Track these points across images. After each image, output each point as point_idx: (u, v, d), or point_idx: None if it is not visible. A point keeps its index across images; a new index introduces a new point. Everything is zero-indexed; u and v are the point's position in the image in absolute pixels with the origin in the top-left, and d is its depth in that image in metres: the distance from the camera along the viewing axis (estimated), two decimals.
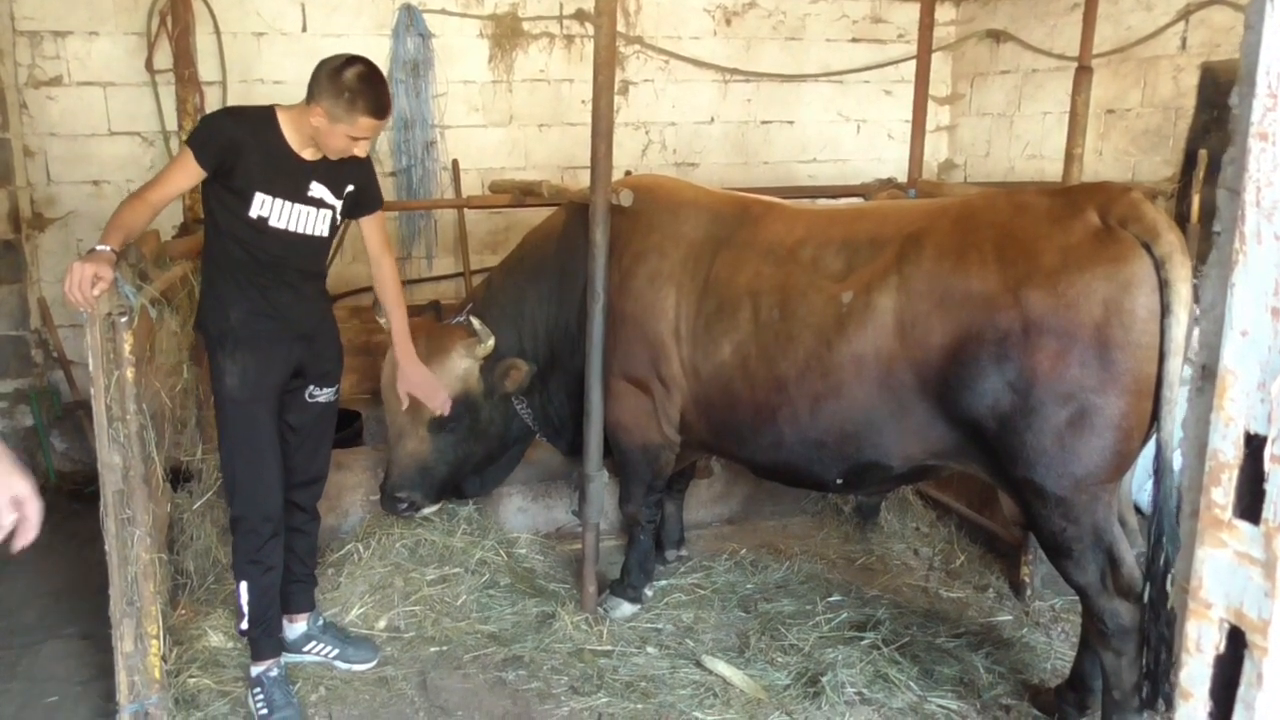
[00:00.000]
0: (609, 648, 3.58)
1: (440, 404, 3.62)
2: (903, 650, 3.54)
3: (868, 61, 6.94)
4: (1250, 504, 0.96)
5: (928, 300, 2.88)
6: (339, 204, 3.16)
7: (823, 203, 4.96)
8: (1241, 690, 0.96)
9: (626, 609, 3.83)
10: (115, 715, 2.90)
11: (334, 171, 3.11)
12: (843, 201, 4.94)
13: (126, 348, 2.66)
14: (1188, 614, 1.00)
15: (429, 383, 3.58)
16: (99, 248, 2.69)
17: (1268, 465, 0.94)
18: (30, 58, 5.46)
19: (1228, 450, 0.98)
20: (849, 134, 7.07)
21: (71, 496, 5.02)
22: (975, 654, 3.55)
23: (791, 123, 6.92)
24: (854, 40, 6.92)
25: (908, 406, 2.97)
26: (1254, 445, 0.96)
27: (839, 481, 3.29)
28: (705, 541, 4.53)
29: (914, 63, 4.86)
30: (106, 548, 2.78)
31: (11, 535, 1.76)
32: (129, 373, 2.68)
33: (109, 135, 5.65)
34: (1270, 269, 0.94)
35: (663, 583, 4.07)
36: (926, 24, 4.66)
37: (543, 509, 4.55)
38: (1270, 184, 0.94)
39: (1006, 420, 2.78)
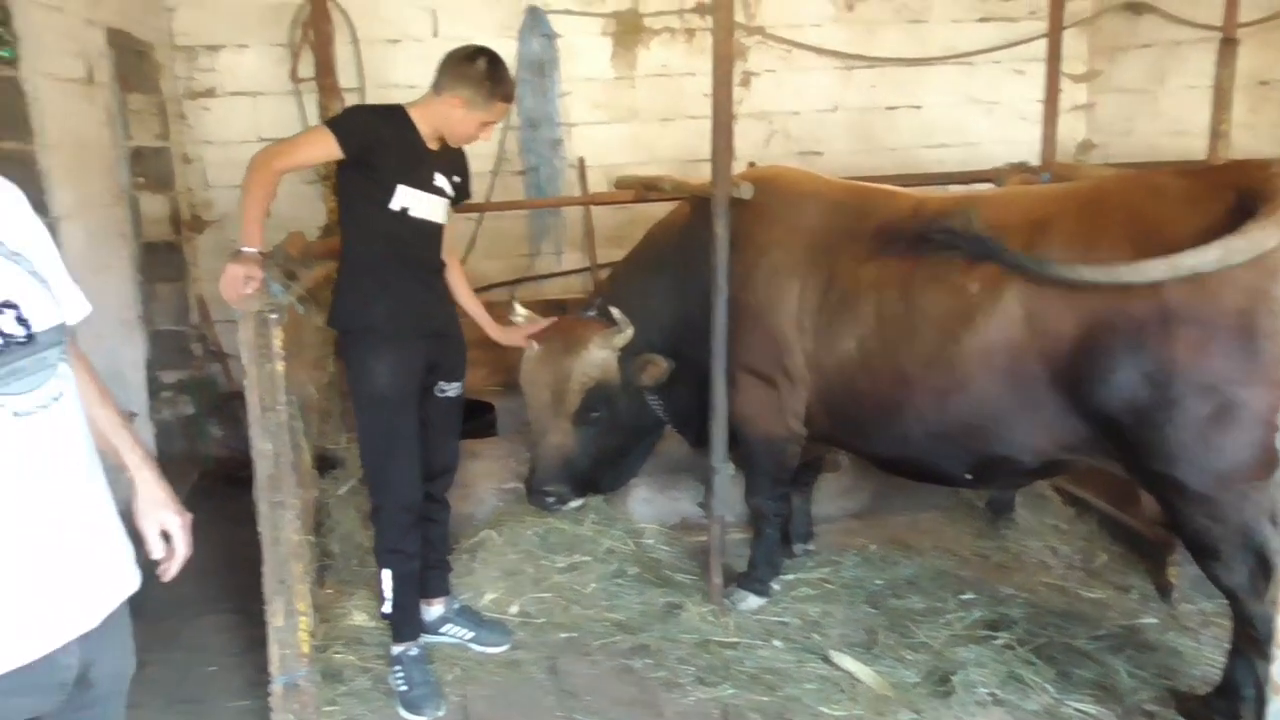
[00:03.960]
0: (735, 639, 3.59)
1: (523, 339, 3.78)
2: (1038, 651, 3.42)
3: (997, 41, 6.72)
4: None
5: (1056, 289, 2.78)
6: (453, 194, 3.29)
7: (952, 189, 4.83)
8: None
9: (753, 601, 3.83)
10: (268, 685, 3.04)
11: (448, 163, 3.25)
12: (972, 187, 4.80)
13: (276, 343, 2.81)
14: None
15: (517, 332, 3.77)
16: (246, 250, 2.85)
17: None
18: (187, 71, 5.83)
19: None
20: (978, 117, 6.85)
21: (226, 480, 5.29)
22: (1116, 657, 3.41)
23: (917, 108, 6.76)
24: (982, 20, 6.70)
25: (1038, 399, 2.88)
26: None
27: (967, 476, 3.22)
28: (833, 536, 4.47)
29: (1046, 40, 4.69)
30: (259, 529, 2.94)
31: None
32: (279, 366, 2.83)
33: (258, 141, 5.95)
34: None
35: (789, 576, 4.05)
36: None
37: (669, 500, 4.58)
38: None
39: (1144, 414, 2.66)
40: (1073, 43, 6.24)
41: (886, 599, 3.88)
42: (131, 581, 1.80)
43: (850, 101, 6.66)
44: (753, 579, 3.88)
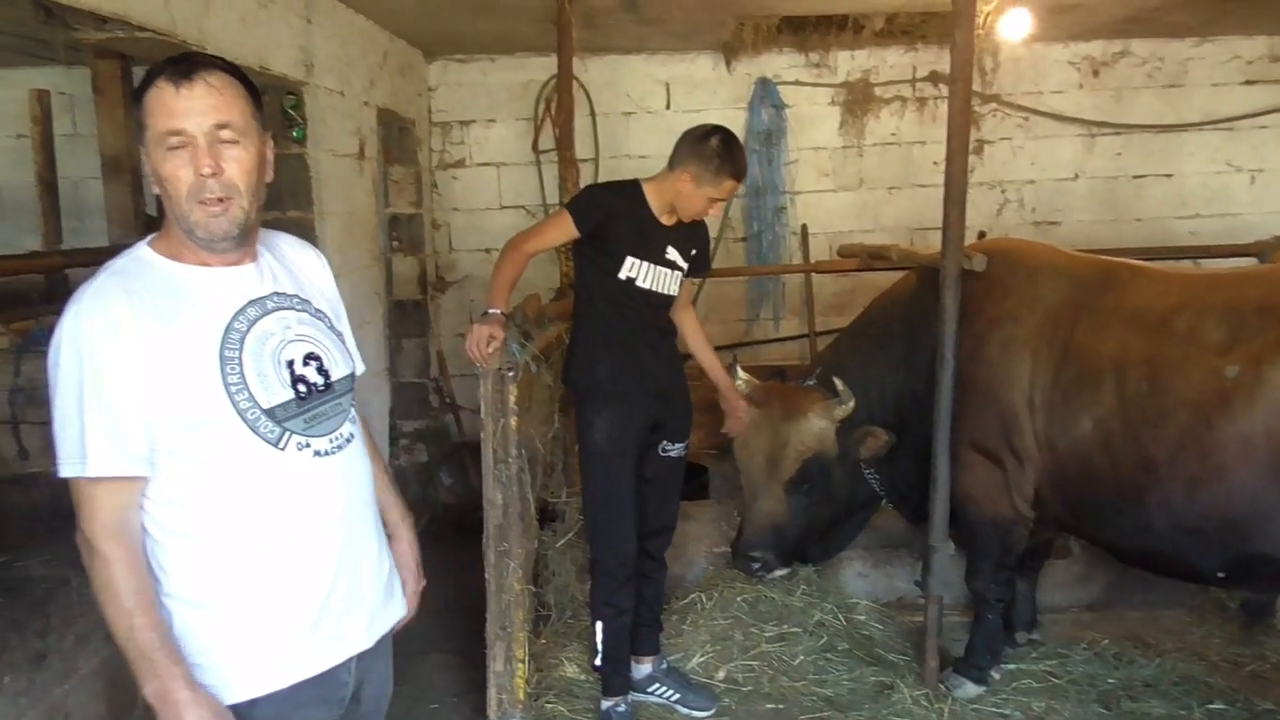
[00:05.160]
0: None
1: (734, 426, 3.75)
2: None
3: (1265, 105, 6.26)
4: None
5: None
6: (685, 266, 3.39)
7: (1206, 263, 4.52)
8: None
9: (970, 689, 3.65)
10: None
11: (683, 236, 3.36)
12: (1232, 262, 4.46)
13: (512, 399, 3.00)
14: None
15: (740, 408, 3.74)
16: (491, 311, 3.07)
17: None
18: (441, 144, 6.36)
19: None
20: (1240, 185, 6.38)
21: (454, 527, 5.58)
22: None
23: (1169, 175, 6.38)
24: (1247, 83, 6.27)
25: None
26: None
27: (1220, 574, 2.96)
28: (1060, 627, 4.19)
29: None
30: (486, 576, 3.11)
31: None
32: (513, 421, 3.01)
33: (499, 209, 6.42)
34: None
35: (1011, 666, 3.83)
36: None
37: (884, 576, 4.45)
38: None
39: None
40: None
41: (1121, 700, 3.59)
42: (400, 610, 1.98)
43: (1093, 169, 6.38)
44: (971, 665, 3.69)
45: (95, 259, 4.66)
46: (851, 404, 3.69)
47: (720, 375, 3.70)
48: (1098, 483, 3.11)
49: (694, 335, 3.66)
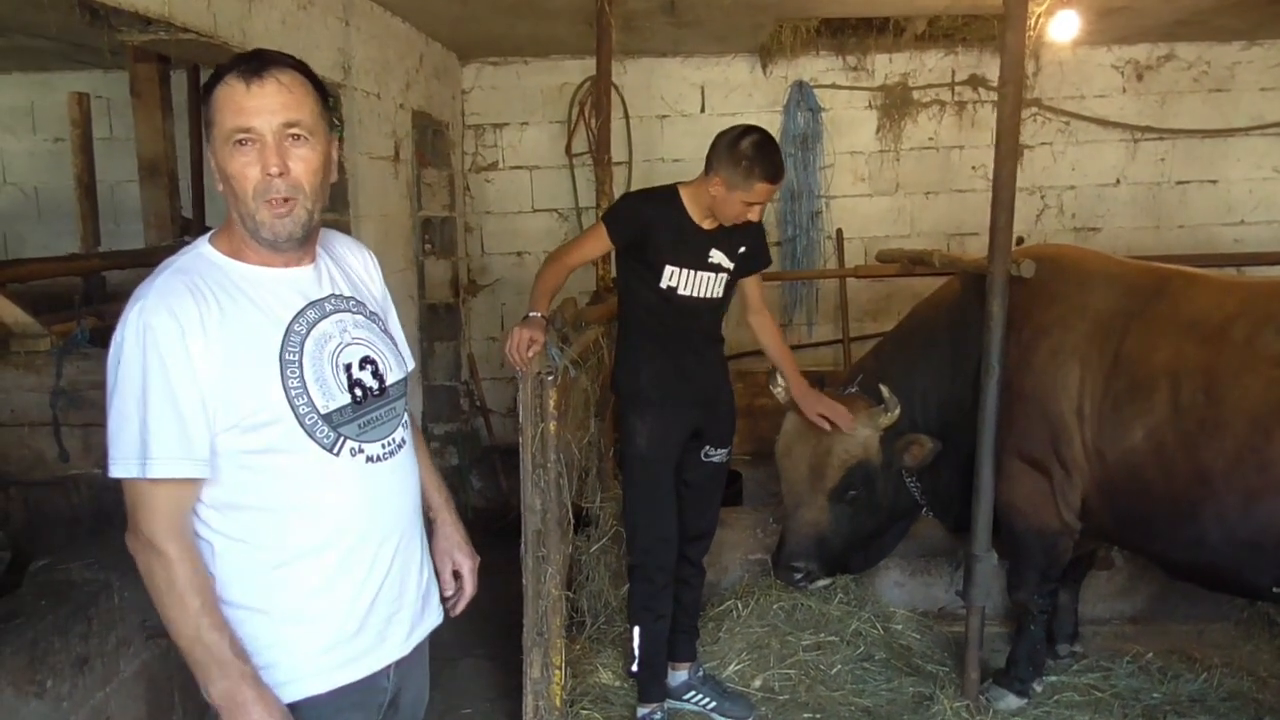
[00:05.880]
0: None
1: (848, 423, 3.56)
2: None
3: None
4: None
5: None
6: (733, 265, 3.34)
7: (1252, 271, 4.42)
8: None
9: (1012, 701, 3.58)
10: None
11: (730, 236, 3.29)
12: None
13: (551, 403, 2.97)
14: None
15: (833, 404, 3.57)
16: (531, 314, 3.04)
17: None
18: (474, 147, 6.36)
19: None
20: None
21: (484, 531, 5.56)
22: None
23: (1214, 182, 6.27)
24: None
25: None
26: None
27: (1275, 590, 2.88)
28: (1103, 639, 4.12)
29: None
30: (524, 581, 3.08)
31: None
32: (552, 426, 2.98)
33: (532, 212, 6.41)
34: None
35: (1052, 678, 3.76)
36: None
37: (922, 585, 4.39)
38: None
39: None
40: None
41: (1167, 715, 3.51)
42: (437, 616, 1.96)
43: (1135, 175, 6.29)
44: (1012, 677, 3.63)
45: (133, 261, 4.73)
46: (897, 411, 3.62)
47: (796, 380, 3.59)
48: (1149, 494, 3.05)
49: (769, 338, 3.59)
